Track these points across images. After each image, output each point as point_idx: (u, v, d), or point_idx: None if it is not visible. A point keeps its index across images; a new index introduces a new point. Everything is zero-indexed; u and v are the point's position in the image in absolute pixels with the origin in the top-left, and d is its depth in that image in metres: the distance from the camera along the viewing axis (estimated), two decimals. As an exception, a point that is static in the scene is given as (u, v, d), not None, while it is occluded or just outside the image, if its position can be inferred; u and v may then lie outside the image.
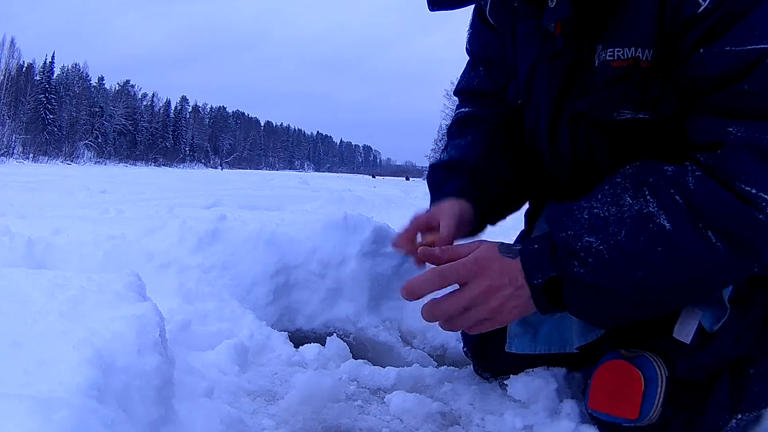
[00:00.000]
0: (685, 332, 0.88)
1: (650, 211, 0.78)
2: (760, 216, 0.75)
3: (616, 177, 0.84)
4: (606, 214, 0.81)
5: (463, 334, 1.30)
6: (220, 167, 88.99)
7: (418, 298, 0.91)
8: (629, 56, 0.88)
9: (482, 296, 0.83)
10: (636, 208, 0.79)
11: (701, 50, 0.81)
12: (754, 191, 0.76)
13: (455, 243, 0.99)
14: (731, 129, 0.78)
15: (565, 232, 0.82)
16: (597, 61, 0.92)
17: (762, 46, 0.77)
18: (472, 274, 0.84)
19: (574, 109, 0.96)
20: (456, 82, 1.32)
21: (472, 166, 1.10)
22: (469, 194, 1.08)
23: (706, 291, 0.84)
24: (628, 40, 0.88)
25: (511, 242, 1.28)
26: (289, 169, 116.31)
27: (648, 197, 0.79)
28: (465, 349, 1.27)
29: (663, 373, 0.88)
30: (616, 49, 0.89)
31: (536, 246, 0.84)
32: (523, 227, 1.33)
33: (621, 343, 0.94)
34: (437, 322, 0.91)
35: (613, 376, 0.91)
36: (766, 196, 0.75)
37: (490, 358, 1.20)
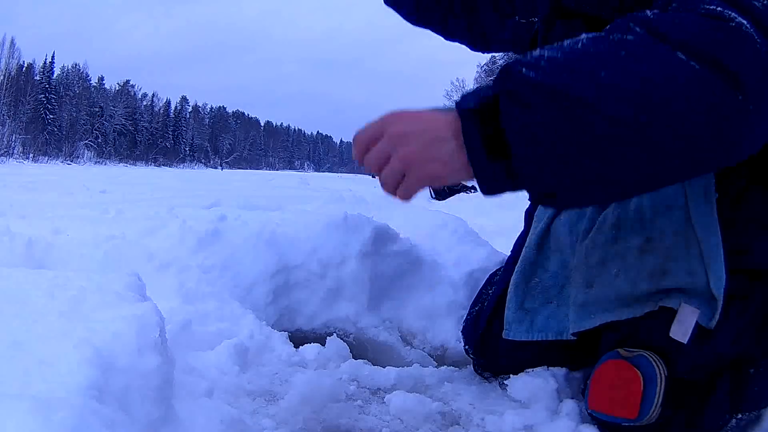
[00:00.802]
0: (681, 332, 0.88)
1: (609, 35, 0.67)
2: (731, 24, 0.65)
3: None
4: (559, 44, 0.69)
5: (463, 331, 1.30)
6: (220, 167, 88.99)
7: (359, 159, 0.76)
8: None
9: (392, 140, 0.71)
10: (593, 34, 0.68)
11: None
12: (718, 9, 0.67)
13: None
14: None
15: (518, 62, 0.68)
16: None
17: None
18: (388, 121, 0.72)
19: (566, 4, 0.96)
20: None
21: None
22: None
23: (689, 119, 0.64)
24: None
25: (508, 251, 1.29)
26: (289, 169, 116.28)
27: (605, 32, 0.68)
28: (466, 347, 1.27)
29: (662, 372, 0.88)
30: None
31: (474, 89, 0.71)
32: (524, 227, 1.34)
33: (620, 342, 0.94)
34: None
35: (612, 376, 0.92)
36: (730, 12, 0.66)
37: (491, 354, 1.21)
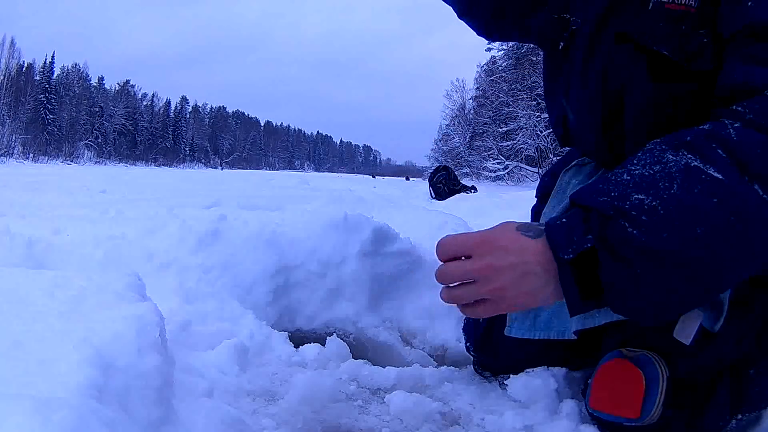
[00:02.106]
0: (685, 333, 0.88)
1: (697, 165, 0.70)
2: None
3: (648, 144, 0.77)
4: (651, 171, 0.72)
5: (464, 329, 1.30)
6: (220, 167, 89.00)
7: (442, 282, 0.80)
8: (682, 2, 0.87)
9: (482, 273, 0.74)
10: (682, 162, 0.71)
11: (749, 2, 0.78)
12: None
13: None
14: None
15: (606, 195, 0.71)
16: (651, 5, 0.91)
17: None
18: (476, 248, 0.75)
19: (619, 28, 0.95)
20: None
21: None
22: None
23: (763, 250, 0.71)
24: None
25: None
26: (289, 169, 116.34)
27: (690, 154, 0.71)
28: (467, 344, 1.27)
29: (664, 372, 0.88)
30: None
31: (564, 220, 0.73)
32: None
33: (623, 342, 0.94)
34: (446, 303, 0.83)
35: (614, 376, 0.91)
36: None
37: (493, 351, 1.20)
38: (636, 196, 0.70)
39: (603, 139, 1.03)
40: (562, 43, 1.08)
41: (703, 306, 0.88)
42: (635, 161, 0.74)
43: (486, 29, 1.25)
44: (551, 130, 1.24)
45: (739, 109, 0.73)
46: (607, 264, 0.69)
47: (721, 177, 0.68)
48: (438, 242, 0.78)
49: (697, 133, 0.73)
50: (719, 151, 0.70)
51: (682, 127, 0.80)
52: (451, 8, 1.24)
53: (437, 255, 0.78)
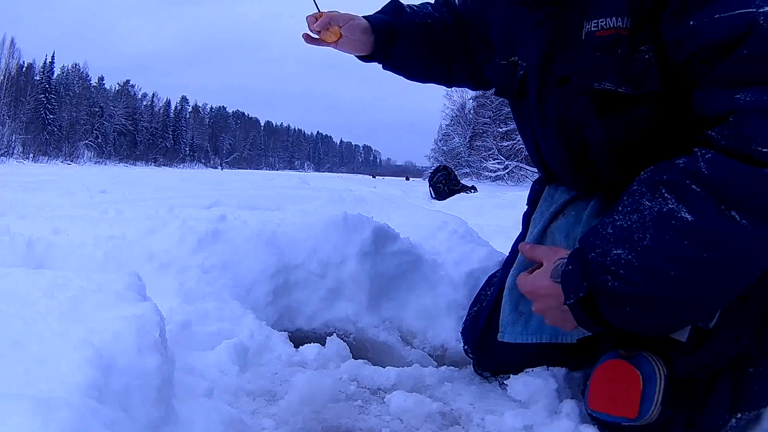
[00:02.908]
0: (679, 331, 0.89)
1: (670, 208, 0.78)
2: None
3: (632, 185, 0.86)
4: (628, 223, 0.82)
5: (463, 333, 1.30)
6: (220, 167, 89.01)
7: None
8: (611, 26, 0.92)
9: (539, 311, 0.97)
10: (656, 209, 0.80)
11: (691, 22, 0.82)
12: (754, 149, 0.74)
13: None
14: (739, 96, 0.76)
15: (594, 251, 0.85)
16: (584, 35, 0.97)
17: (749, 10, 0.77)
18: (531, 295, 0.99)
19: (560, 72, 1.01)
20: None
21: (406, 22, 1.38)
22: (382, 26, 1.36)
23: (746, 273, 0.79)
24: (607, 9, 0.93)
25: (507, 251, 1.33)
26: (289, 169, 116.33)
27: (666, 195, 0.79)
28: (466, 347, 1.27)
29: (661, 372, 0.88)
30: (599, 20, 0.94)
31: (570, 267, 0.89)
32: (522, 229, 1.34)
33: (620, 342, 0.94)
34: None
35: (611, 376, 0.92)
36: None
37: (491, 355, 1.21)
38: (615, 252, 0.82)
39: (577, 174, 1.08)
40: (515, 89, 1.13)
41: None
42: (620, 208, 0.85)
43: (449, 85, 1.55)
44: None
45: (712, 134, 0.78)
46: (602, 305, 0.86)
47: (691, 219, 0.76)
48: (523, 281, 1.02)
49: (673, 169, 0.80)
50: (693, 186, 0.77)
51: (646, 149, 0.91)
52: None
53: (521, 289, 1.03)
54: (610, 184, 1.05)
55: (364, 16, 1.36)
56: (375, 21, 1.35)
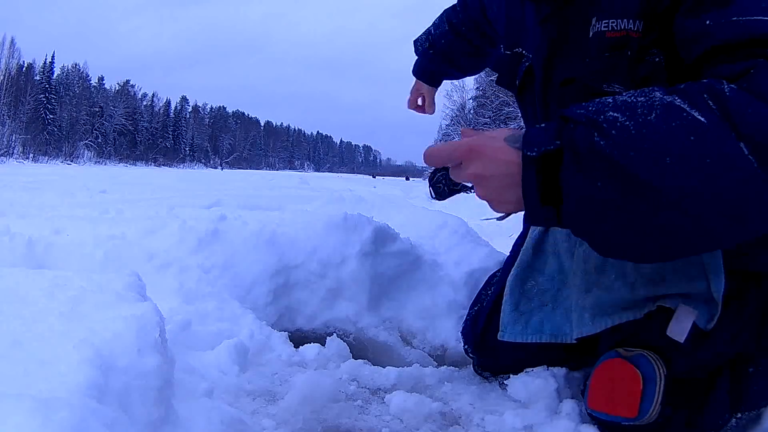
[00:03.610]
0: (678, 331, 0.89)
1: (682, 107, 0.68)
2: None
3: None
4: (633, 99, 0.70)
5: (463, 333, 1.30)
6: (220, 167, 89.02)
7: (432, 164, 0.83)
8: (622, 28, 0.90)
9: (469, 179, 0.78)
10: (668, 100, 0.69)
11: (707, 21, 0.77)
12: None
13: None
14: (759, 60, 0.70)
15: (585, 109, 0.72)
16: (591, 33, 0.95)
17: (765, 18, 0.73)
18: (465, 158, 0.77)
19: (566, 74, 0.99)
20: None
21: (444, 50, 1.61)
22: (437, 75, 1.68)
23: (734, 211, 0.67)
24: (619, 11, 0.91)
25: (508, 251, 1.30)
26: (289, 169, 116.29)
27: (679, 98, 0.69)
28: (466, 347, 1.27)
29: (661, 371, 0.88)
30: (610, 21, 0.92)
31: (541, 126, 0.75)
32: (522, 229, 1.34)
33: (619, 342, 0.94)
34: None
35: (611, 376, 0.92)
36: None
37: (491, 355, 1.21)
38: (612, 114, 0.69)
39: None
40: (518, 81, 1.12)
41: (694, 305, 0.88)
42: (624, 94, 0.73)
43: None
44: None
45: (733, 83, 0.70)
46: (569, 167, 0.69)
47: (704, 120, 0.66)
48: (425, 152, 0.80)
49: (692, 84, 0.71)
50: (710, 102, 0.68)
51: None
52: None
53: (425, 162, 0.82)
54: None
55: (420, 75, 1.70)
56: (430, 78, 1.70)
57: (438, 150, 0.80)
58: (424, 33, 1.65)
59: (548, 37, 1.02)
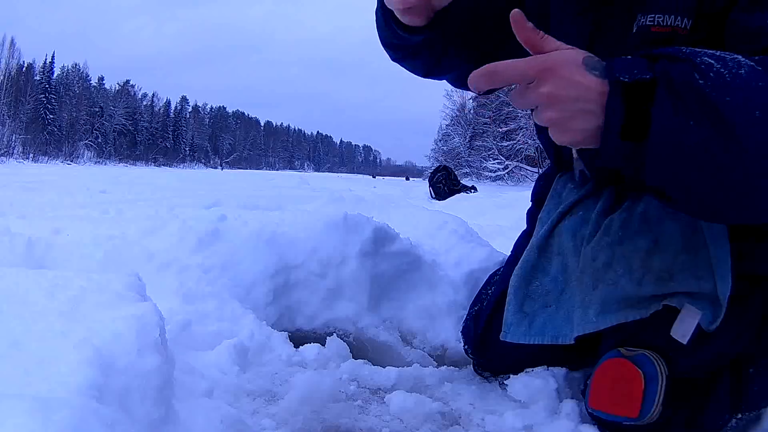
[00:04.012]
0: (681, 332, 0.88)
1: (765, 72, 0.67)
2: None
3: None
4: (721, 54, 0.69)
5: (463, 332, 1.30)
6: (220, 167, 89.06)
7: (485, 88, 0.73)
8: (669, 24, 0.88)
9: (540, 100, 0.70)
10: (751, 63, 0.68)
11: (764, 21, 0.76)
12: None
13: None
14: None
15: (677, 50, 0.69)
16: (635, 28, 0.92)
17: None
18: (540, 76, 0.69)
19: None
20: None
21: None
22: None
23: None
24: (669, 6, 0.88)
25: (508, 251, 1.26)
26: (289, 169, 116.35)
27: (758, 65, 0.68)
28: (466, 347, 1.27)
29: (663, 371, 0.88)
30: (656, 16, 0.89)
31: (629, 57, 0.70)
32: (526, 227, 1.33)
33: (621, 341, 0.94)
34: None
35: (613, 375, 0.92)
36: None
37: (491, 354, 1.20)
38: (707, 59, 0.67)
39: (603, 170, 1.05)
40: None
41: (699, 305, 0.88)
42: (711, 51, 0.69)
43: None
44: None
45: None
46: (663, 100, 0.66)
47: None
48: (484, 70, 0.70)
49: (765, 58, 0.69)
50: None
51: None
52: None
53: (482, 84, 0.72)
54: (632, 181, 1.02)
55: None
56: None
57: (505, 66, 0.70)
58: None
59: (587, 30, 0.99)
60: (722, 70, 0.66)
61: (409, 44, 1.06)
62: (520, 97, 0.71)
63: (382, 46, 1.15)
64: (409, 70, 1.23)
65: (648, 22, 0.90)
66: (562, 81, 0.68)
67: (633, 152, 0.68)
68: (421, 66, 1.18)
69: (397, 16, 0.94)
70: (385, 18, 1.02)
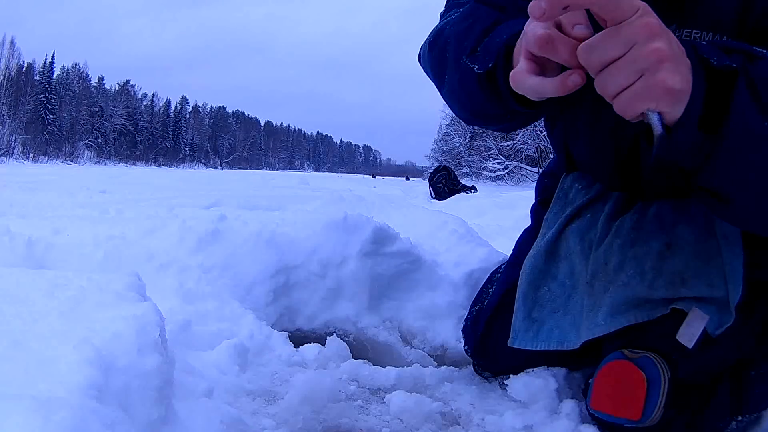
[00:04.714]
0: (688, 336, 0.88)
1: None
2: None
3: None
4: None
5: (464, 332, 1.30)
6: (220, 167, 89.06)
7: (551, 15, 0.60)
8: (706, 40, 0.84)
9: (643, 32, 0.59)
10: None
11: None
12: None
13: None
14: None
15: (749, 47, 0.66)
16: None
17: None
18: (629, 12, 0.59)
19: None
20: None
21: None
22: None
23: None
24: (707, 22, 0.83)
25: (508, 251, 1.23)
26: (289, 169, 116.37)
27: None
28: (466, 347, 1.27)
29: (666, 374, 0.88)
30: (693, 31, 0.85)
31: (705, 43, 0.67)
32: (530, 223, 1.32)
33: (624, 343, 0.94)
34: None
35: (615, 377, 0.91)
36: None
37: (491, 356, 1.20)
38: None
39: (614, 174, 1.04)
40: None
41: (706, 310, 0.88)
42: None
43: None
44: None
45: None
46: (743, 92, 0.62)
47: None
48: None
49: None
50: None
51: None
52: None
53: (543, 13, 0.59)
54: (650, 189, 1.00)
55: None
56: None
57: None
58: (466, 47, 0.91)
59: None
60: None
61: (509, 113, 0.90)
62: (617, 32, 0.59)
63: (455, 111, 1.02)
64: (480, 127, 1.15)
65: (684, 37, 0.85)
66: (666, 36, 0.60)
67: (703, 147, 0.65)
68: (503, 128, 1.05)
69: (530, 96, 0.72)
70: (491, 91, 0.85)
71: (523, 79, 0.67)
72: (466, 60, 0.84)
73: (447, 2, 1.08)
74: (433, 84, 1.07)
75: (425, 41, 1.04)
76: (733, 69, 0.64)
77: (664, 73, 0.59)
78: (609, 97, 0.62)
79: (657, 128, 0.61)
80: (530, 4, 0.59)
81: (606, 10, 0.59)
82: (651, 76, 0.59)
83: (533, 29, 0.64)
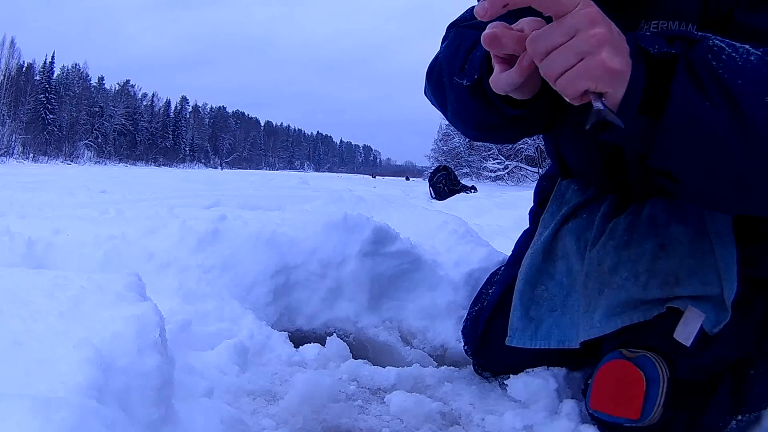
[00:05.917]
0: (685, 335, 0.88)
1: None
2: None
3: None
4: (731, 41, 0.70)
5: (464, 332, 1.30)
6: (220, 167, 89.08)
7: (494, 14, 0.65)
8: (673, 30, 0.85)
9: (592, 18, 0.64)
10: (759, 52, 0.69)
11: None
12: None
13: None
14: None
15: (689, 33, 0.70)
16: None
17: None
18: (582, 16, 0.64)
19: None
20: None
21: None
22: None
23: None
24: (673, 12, 0.86)
25: (508, 251, 1.23)
26: (289, 169, 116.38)
27: (766, 56, 0.68)
28: (466, 347, 1.27)
29: (664, 373, 0.88)
30: (660, 22, 0.87)
31: (648, 33, 0.70)
32: (528, 226, 1.33)
33: (623, 343, 0.94)
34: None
35: (614, 376, 0.91)
36: None
37: (491, 356, 1.20)
38: (718, 43, 0.68)
39: (604, 176, 1.05)
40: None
41: (703, 308, 0.88)
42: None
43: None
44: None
45: None
46: (683, 78, 0.66)
47: None
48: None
49: None
50: None
51: None
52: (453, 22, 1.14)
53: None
54: (640, 188, 1.01)
55: None
56: None
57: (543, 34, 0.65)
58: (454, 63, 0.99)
59: None
60: (733, 54, 0.67)
61: (506, 119, 0.95)
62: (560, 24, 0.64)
63: (462, 130, 1.07)
64: (489, 142, 1.22)
65: (652, 29, 0.88)
66: (606, 21, 0.65)
67: (648, 129, 0.69)
68: (508, 138, 1.10)
69: (512, 94, 0.79)
70: (483, 100, 0.91)
71: (497, 78, 0.74)
72: (457, 78, 0.91)
73: (447, 28, 1.14)
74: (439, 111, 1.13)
75: (425, 72, 1.10)
76: (672, 55, 0.67)
77: (605, 54, 0.63)
78: (552, 78, 0.66)
79: (597, 106, 0.64)
80: (475, 8, 0.65)
81: (546, 6, 0.64)
82: (591, 58, 0.63)
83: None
